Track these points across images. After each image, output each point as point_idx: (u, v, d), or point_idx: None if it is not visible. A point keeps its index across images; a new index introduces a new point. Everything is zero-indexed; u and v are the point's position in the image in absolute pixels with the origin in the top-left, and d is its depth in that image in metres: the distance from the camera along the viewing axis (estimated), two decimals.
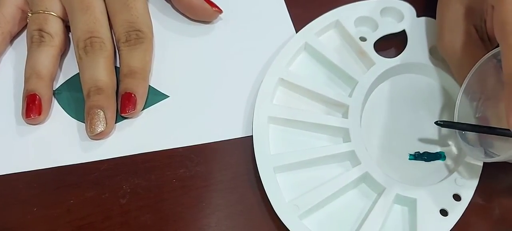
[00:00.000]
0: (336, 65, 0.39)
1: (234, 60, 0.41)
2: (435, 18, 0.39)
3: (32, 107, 0.36)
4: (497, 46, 0.32)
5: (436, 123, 0.35)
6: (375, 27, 0.41)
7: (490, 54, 0.33)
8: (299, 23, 0.42)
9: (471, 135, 0.34)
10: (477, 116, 0.35)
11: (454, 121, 0.35)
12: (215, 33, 0.42)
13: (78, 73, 0.38)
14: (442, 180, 0.35)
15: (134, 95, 0.37)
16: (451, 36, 0.36)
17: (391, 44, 0.41)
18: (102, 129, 0.36)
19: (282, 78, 0.38)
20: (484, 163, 0.34)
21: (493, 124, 0.33)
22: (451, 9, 0.37)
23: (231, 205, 0.34)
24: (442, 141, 0.37)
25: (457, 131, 0.35)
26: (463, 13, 0.36)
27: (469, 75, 0.34)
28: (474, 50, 0.35)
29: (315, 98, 0.38)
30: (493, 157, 0.31)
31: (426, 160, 0.36)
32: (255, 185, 0.35)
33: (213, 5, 0.41)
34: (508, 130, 0.28)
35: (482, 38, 0.36)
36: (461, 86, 0.35)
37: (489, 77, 0.33)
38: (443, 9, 0.37)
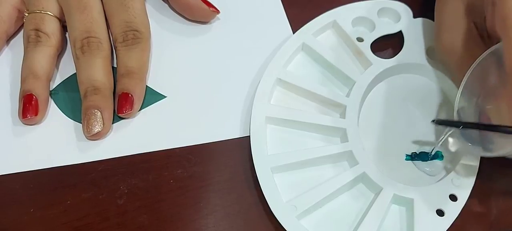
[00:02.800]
0: (333, 65, 0.39)
1: (232, 61, 0.41)
2: (432, 19, 0.39)
3: (29, 108, 0.36)
4: (497, 43, 0.32)
5: (432, 121, 0.35)
6: (372, 27, 0.41)
7: (490, 51, 0.32)
8: (296, 24, 0.42)
9: (470, 132, 0.34)
10: (476, 112, 0.34)
11: (454, 117, 0.35)
12: (212, 33, 0.42)
13: (75, 73, 0.38)
14: (438, 181, 0.35)
15: (131, 95, 0.37)
16: (450, 35, 0.36)
17: (388, 44, 0.41)
18: (99, 129, 0.35)
19: (279, 79, 0.38)
20: (480, 164, 0.34)
21: (494, 121, 0.33)
22: (451, 7, 0.36)
23: (229, 205, 0.34)
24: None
25: (456, 128, 0.35)
26: (463, 10, 0.36)
27: (469, 72, 0.34)
28: (474, 48, 0.35)
29: (313, 98, 0.38)
30: (492, 152, 0.31)
31: (423, 160, 0.36)
32: (252, 185, 0.35)
33: (210, 5, 0.41)
34: (500, 126, 0.28)
35: (481, 36, 0.35)
36: (459, 85, 0.35)
37: (488, 74, 0.33)
38: (442, 7, 0.37)
